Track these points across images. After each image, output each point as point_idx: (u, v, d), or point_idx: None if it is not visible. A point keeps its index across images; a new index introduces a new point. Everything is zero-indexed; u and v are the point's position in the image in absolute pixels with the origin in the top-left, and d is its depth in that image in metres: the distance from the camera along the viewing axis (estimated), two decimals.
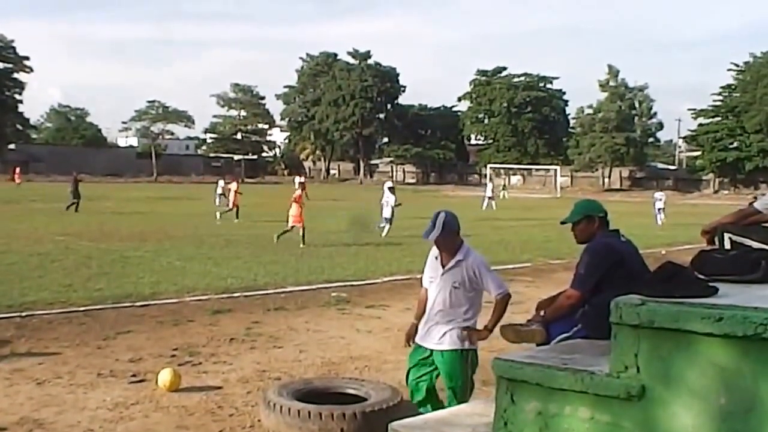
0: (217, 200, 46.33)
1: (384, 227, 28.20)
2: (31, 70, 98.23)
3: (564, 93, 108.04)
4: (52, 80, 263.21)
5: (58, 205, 40.16)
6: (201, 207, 43.13)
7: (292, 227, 24.48)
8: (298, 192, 25.57)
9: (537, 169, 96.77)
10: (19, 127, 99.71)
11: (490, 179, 66.52)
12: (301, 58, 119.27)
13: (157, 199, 50.23)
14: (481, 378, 9.29)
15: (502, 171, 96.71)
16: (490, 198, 52.55)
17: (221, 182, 48.63)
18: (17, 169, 70.63)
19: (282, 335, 11.80)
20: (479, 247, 24.79)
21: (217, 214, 34.81)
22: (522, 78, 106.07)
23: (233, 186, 36.06)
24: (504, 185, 73.49)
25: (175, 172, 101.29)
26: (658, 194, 42.82)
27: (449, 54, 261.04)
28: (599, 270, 5.66)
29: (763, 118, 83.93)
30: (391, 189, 29.41)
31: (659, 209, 40.49)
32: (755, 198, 6.08)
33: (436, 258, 6.89)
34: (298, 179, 30.57)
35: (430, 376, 6.95)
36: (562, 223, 6.28)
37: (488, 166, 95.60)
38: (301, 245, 23.38)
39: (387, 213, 28.62)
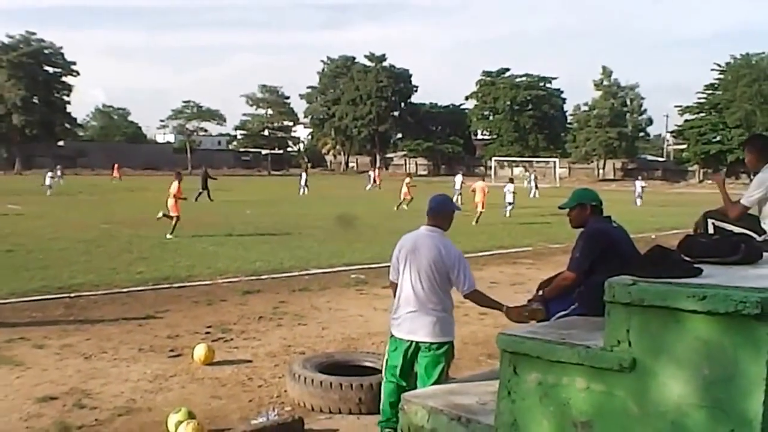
0: (301, 191, 47.28)
1: (507, 209, 32.98)
2: (78, 74, 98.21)
3: (562, 92, 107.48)
4: (97, 83, 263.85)
5: (102, 197, 40.33)
6: (232, 196, 43.19)
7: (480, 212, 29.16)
8: (481, 184, 31.00)
9: (537, 162, 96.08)
10: (67, 125, 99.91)
11: (533, 172, 66.80)
12: (322, 61, 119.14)
13: (192, 190, 50.20)
14: (486, 351, 9.34)
15: (505, 163, 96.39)
16: (534, 188, 53.92)
17: (304, 174, 49.95)
18: (116, 165, 69.18)
19: (306, 313, 11.83)
20: (484, 233, 24.76)
21: (405, 206, 35.78)
22: (524, 78, 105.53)
23: (407, 180, 37.72)
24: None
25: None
26: (638, 182, 47.33)
27: (457, 56, 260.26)
28: (593, 253, 5.63)
29: (742, 115, 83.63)
30: (511, 180, 36.52)
31: (638, 195, 44.62)
32: None
33: None
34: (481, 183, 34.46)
35: None
36: (560, 207, 6.26)
37: (493, 159, 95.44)
38: (474, 223, 26.99)
39: (509, 198, 33.54)
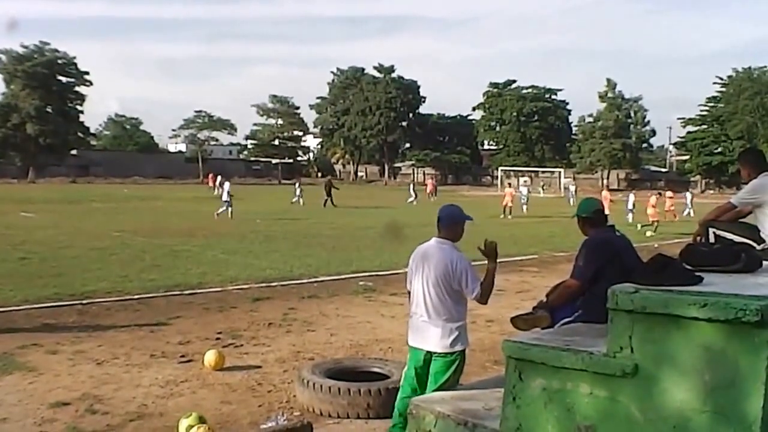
0: (411, 200, 50.51)
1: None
2: (91, 84, 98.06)
3: (567, 103, 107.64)
4: (110, 93, 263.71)
5: (115, 205, 40.42)
6: (243, 206, 43.24)
7: (654, 221, 31.16)
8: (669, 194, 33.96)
9: (543, 172, 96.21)
10: (80, 135, 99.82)
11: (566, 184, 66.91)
12: (332, 72, 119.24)
13: (204, 199, 50.27)
14: (492, 358, 9.34)
15: (512, 173, 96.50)
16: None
17: (412, 185, 52.74)
18: (210, 174, 68.66)
19: (315, 320, 11.85)
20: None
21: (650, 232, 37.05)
22: (530, 90, 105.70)
23: (669, 202, 39.11)
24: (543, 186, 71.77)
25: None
26: (687, 194, 47.53)
27: (464, 68, 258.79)
28: (596, 261, 5.63)
29: (744, 127, 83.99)
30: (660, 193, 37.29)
31: (687, 204, 44.24)
32: None
33: None
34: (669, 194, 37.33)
35: None
36: (574, 216, 6.29)
37: (500, 169, 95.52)
38: (650, 233, 28.34)
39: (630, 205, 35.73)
